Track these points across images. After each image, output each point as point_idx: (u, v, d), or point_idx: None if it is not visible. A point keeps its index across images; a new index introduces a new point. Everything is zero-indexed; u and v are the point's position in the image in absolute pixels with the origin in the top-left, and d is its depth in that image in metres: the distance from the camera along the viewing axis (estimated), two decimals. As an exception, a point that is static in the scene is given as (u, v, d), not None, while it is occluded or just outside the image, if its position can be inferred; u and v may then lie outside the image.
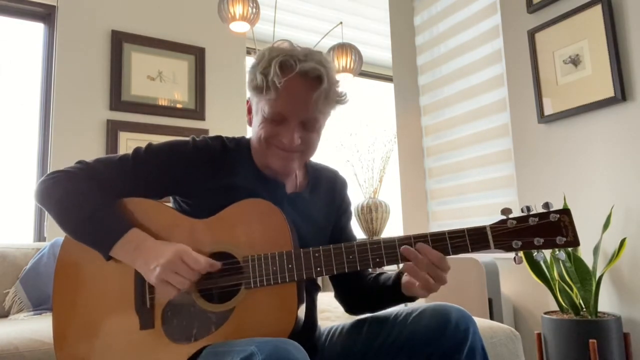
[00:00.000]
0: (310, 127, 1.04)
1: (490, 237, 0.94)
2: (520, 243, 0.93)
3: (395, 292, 1.07)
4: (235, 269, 0.98)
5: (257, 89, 1.02)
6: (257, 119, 1.06)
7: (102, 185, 1.03)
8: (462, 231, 0.95)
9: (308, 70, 0.99)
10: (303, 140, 1.04)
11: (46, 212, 1.06)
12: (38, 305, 2.06)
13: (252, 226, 0.99)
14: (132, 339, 0.98)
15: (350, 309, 1.23)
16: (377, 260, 0.96)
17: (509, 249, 0.94)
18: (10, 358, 1.29)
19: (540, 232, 0.93)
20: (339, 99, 1.07)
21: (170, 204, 1.12)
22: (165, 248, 0.96)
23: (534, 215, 0.94)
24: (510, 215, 0.95)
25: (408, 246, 0.94)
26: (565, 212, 0.94)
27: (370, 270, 1.21)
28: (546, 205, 0.94)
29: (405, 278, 1.04)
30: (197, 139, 1.10)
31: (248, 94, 1.08)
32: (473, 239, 0.94)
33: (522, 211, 0.95)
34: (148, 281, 0.97)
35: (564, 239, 0.93)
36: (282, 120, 1.02)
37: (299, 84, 0.99)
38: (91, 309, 1.01)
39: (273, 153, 1.05)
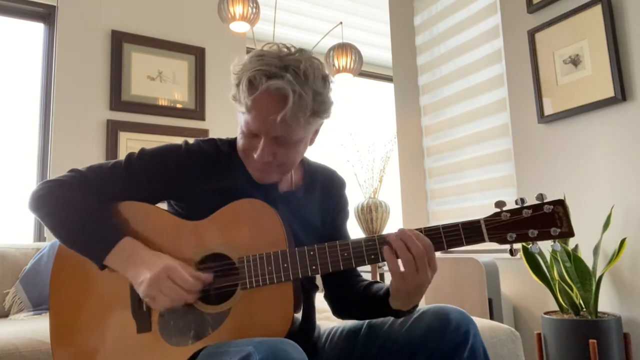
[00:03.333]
0: (284, 143, 1.01)
1: (484, 230, 0.94)
2: (514, 235, 0.93)
3: (383, 303, 1.04)
4: (230, 270, 0.98)
5: (235, 100, 1.02)
6: (239, 127, 1.06)
7: (95, 193, 1.02)
8: (456, 225, 0.94)
9: (273, 89, 0.95)
10: (277, 156, 1.02)
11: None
12: (38, 305, 2.06)
13: (246, 226, 0.99)
14: (129, 343, 0.98)
15: (337, 312, 1.20)
16: (372, 257, 0.95)
17: (503, 241, 0.94)
18: (11, 358, 1.29)
19: (535, 223, 0.93)
20: (318, 112, 1.01)
21: (165, 207, 1.12)
22: (155, 262, 0.95)
23: (528, 207, 0.94)
24: (504, 208, 0.95)
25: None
26: (559, 202, 0.93)
27: (363, 277, 1.20)
28: (540, 196, 0.94)
29: (393, 285, 1.00)
30: (190, 142, 1.10)
31: None
32: (467, 232, 0.94)
33: (517, 203, 0.95)
34: (137, 292, 0.96)
35: (559, 230, 0.92)
36: (255, 135, 1.01)
37: (265, 103, 0.97)
38: (88, 313, 1.01)
39: (251, 164, 1.05)
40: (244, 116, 1.00)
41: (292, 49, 1.02)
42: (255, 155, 1.02)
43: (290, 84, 0.95)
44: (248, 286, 0.95)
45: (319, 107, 1.01)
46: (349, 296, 1.16)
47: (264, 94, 0.96)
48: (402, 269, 0.93)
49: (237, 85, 1.00)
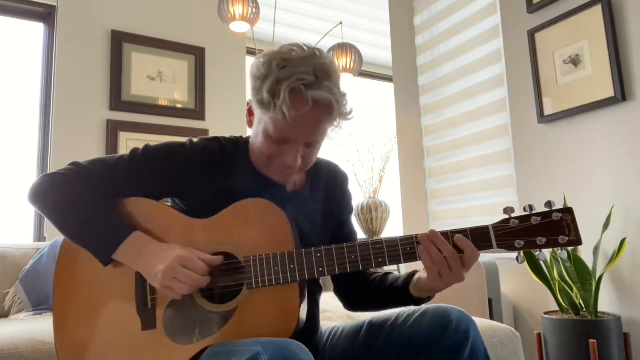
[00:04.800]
0: (312, 146, 1.04)
1: (493, 237, 0.94)
2: (522, 243, 0.93)
3: (404, 292, 1.06)
4: (236, 269, 0.98)
5: (263, 105, 0.98)
6: (258, 129, 1.04)
7: (99, 187, 1.02)
8: (464, 231, 0.95)
9: (318, 99, 0.96)
10: (304, 158, 1.04)
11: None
12: (38, 305, 2.06)
13: (253, 226, 0.99)
14: (133, 340, 0.97)
15: (350, 305, 1.21)
16: (380, 260, 0.95)
17: (511, 248, 0.94)
18: (10, 358, 1.29)
19: (543, 231, 0.93)
20: (345, 116, 1.04)
21: (169, 204, 1.11)
22: (167, 253, 0.95)
23: (537, 215, 0.94)
24: (513, 215, 0.95)
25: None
26: (568, 210, 0.93)
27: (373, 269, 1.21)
28: (549, 204, 0.94)
29: (418, 275, 1.03)
30: (195, 140, 1.09)
31: (249, 96, 1.07)
32: (476, 238, 0.94)
33: (525, 210, 0.95)
34: (153, 286, 0.97)
35: (567, 238, 0.92)
36: (286, 141, 1.01)
37: (311, 113, 0.96)
38: (92, 310, 1.01)
39: (274, 168, 1.05)
40: (275, 122, 0.98)
41: (306, 48, 1.00)
42: (286, 161, 1.01)
43: (332, 93, 0.97)
44: (254, 286, 0.95)
45: (346, 109, 1.03)
46: (361, 289, 1.17)
47: (311, 106, 0.95)
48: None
49: (270, 91, 0.96)
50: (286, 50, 0.99)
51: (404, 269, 3.69)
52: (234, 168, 1.08)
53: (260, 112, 1.01)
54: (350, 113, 1.05)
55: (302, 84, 0.95)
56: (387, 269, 3.77)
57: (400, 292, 1.06)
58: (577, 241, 0.93)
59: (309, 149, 1.04)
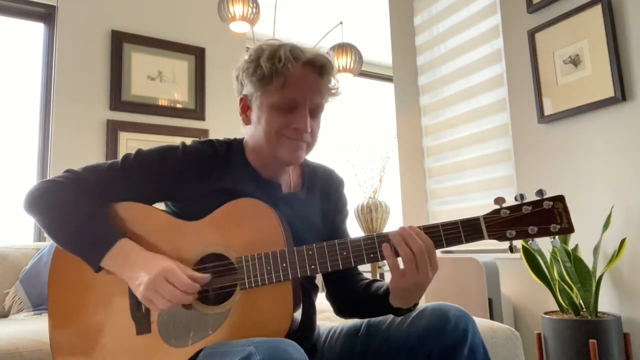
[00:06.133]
0: (315, 114, 1.06)
1: (483, 227, 0.93)
2: (514, 232, 0.93)
3: (383, 302, 1.04)
4: (229, 270, 0.97)
5: (262, 79, 1.02)
6: (260, 114, 1.04)
7: (91, 194, 1.02)
8: (455, 223, 0.94)
9: (316, 57, 1.03)
10: (311, 129, 1.06)
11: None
12: (38, 305, 2.06)
13: (244, 226, 0.98)
14: (129, 345, 0.97)
15: (339, 311, 1.21)
16: (372, 255, 0.95)
17: (502, 238, 0.93)
18: (10, 358, 1.29)
19: (534, 220, 0.92)
20: (335, 89, 1.09)
21: (163, 207, 1.11)
22: (152, 264, 0.94)
23: (528, 204, 0.93)
24: (504, 205, 0.94)
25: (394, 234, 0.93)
26: (559, 198, 0.93)
27: (364, 276, 1.20)
28: (540, 192, 0.93)
29: (392, 283, 1.02)
30: (187, 144, 1.09)
31: (244, 90, 1.07)
32: (467, 230, 0.93)
33: (516, 199, 0.94)
34: (135, 295, 0.96)
35: (558, 226, 0.91)
36: (293, 107, 1.03)
37: (309, 70, 1.03)
38: (87, 315, 1.01)
39: (282, 143, 1.04)
40: (278, 90, 1.01)
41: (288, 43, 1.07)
42: (299, 126, 1.03)
43: (324, 55, 1.05)
44: (247, 286, 0.95)
45: (336, 79, 1.09)
46: (349, 295, 1.17)
47: (310, 62, 1.02)
48: (401, 266, 0.93)
49: (270, 59, 1.01)
50: (270, 41, 1.07)
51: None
52: (227, 169, 1.08)
53: (261, 91, 1.03)
54: (338, 88, 1.10)
55: (298, 47, 1.03)
56: (386, 268, 3.77)
57: (381, 302, 1.04)
58: (569, 229, 0.91)
59: (313, 120, 1.06)
